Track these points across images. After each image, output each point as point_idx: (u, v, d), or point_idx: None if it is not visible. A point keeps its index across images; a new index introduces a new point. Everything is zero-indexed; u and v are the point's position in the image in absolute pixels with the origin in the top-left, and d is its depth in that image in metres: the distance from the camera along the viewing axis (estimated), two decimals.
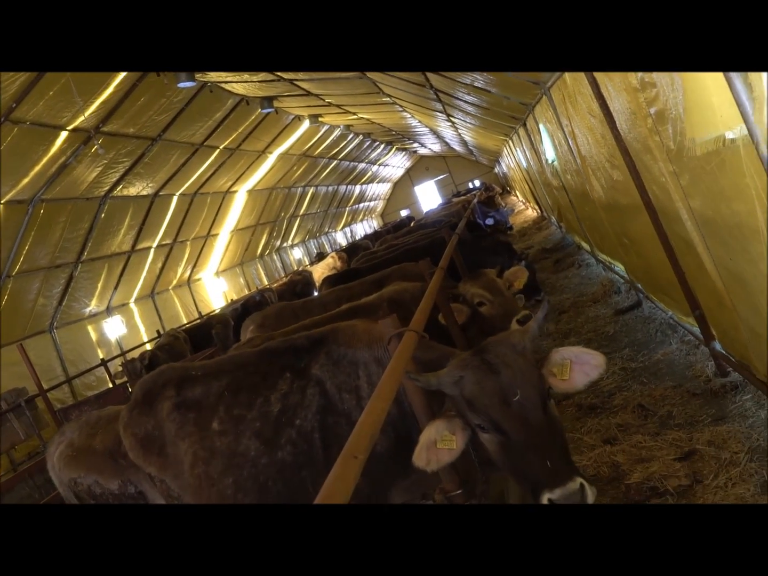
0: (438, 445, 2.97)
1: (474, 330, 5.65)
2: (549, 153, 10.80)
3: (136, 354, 15.33)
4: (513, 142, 17.77)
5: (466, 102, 13.91)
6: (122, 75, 12.43)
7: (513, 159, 21.67)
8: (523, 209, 30.65)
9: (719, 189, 3.48)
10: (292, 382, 3.93)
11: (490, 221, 17.04)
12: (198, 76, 13.85)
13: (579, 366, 3.09)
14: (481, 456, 3.24)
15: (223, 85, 16.04)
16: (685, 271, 5.41)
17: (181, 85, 13.48)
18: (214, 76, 14.92)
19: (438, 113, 19.72)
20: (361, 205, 46.32)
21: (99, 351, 17.44)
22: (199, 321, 18.76)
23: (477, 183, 43.70)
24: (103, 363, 15.23)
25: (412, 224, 22.22)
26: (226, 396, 4.00)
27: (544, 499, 2.69)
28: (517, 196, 33.94)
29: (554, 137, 9.32)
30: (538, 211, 23.27)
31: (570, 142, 8.06)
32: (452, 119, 20.33)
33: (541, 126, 10.26)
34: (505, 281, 6.18)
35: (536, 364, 3.06)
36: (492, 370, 2.97)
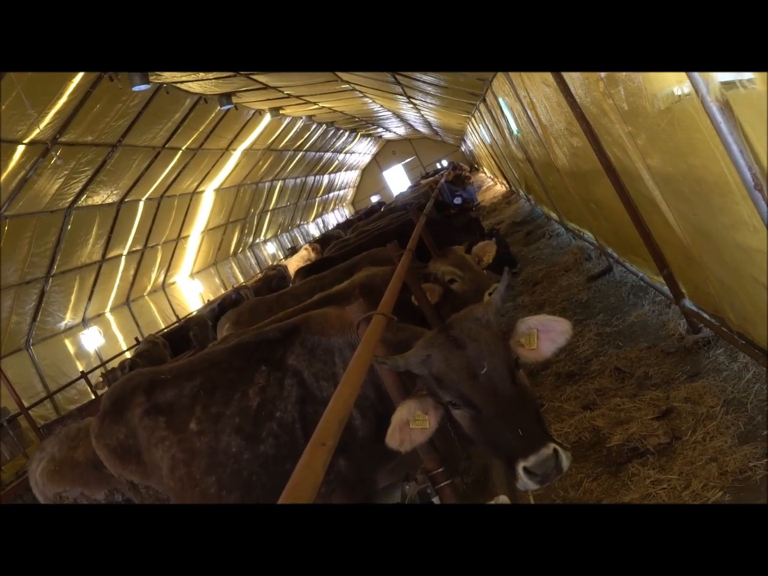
0: (411, 425, 2.97)
1: (447, 308, 5.65)
2: (512, 126, 10.81)
3: (116, 363, 15.20)
4: (475, 119, 17.76)
5: (424, 82, 13.86)
6: (74, 83, 12.26)
7: (477, 136, 21.67)
8: (492, 185, 30.71)
9: (675, 145, 3.49)
10: (269, 375, 3.91)
11: (458, 200, 17.04)
12: (152, 78, 13.66)
13: (546, 334, 3.11)
14: (460, 432, 3.24)
15: (178, 85, 15.87)
16: (651, 231, 5.44)
17: (136, 88, 13.27)
18: (168, 77, 14.75)
19: (399, 96, 19.66)
20: (331, 194, 46.20)
21: (78, 364, 17.30)
22: (177, 324, 18.64)
23: (445, 163, 43.69)
24: (84, 375, 15.11)
25: (382, 209, 22.17)
26: (201, 395, 3.96)
27: (520, 469, 2.72)
28: (485, 173, 34.00)
29: (514, 110, 9.33)
30: (507, 185, 23.32)
31: (529, 113, 8.07)
32: (413, 101, 20.28)
33: (500, 100, 10.26)
34: (474, 256, 6.20)
35: (502, 335, 3.07)
36: (458, 346, 2.98)
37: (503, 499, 3.93)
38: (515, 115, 9.50)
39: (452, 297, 5.87)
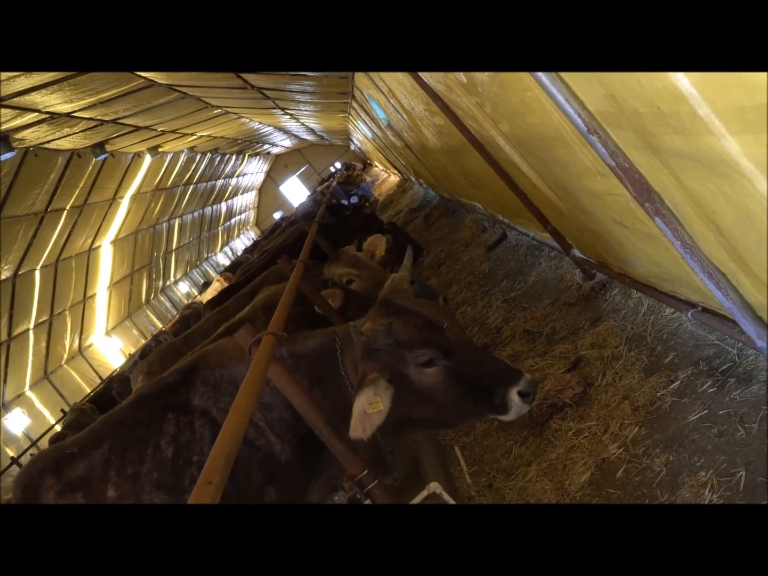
0: (368, 411, 3.03)
1: (353, 309, 5.64)
2: (381, 115, 10.88)
3: (47, 441, 14.66)
4: (353, 117, 17.84)
5: (293, 91, 13.82)
6: None
7: (360, 133, 21.76)
8: (386, 177, 30.88)
9: (512, 108, 3.55)
10: (177, 421, 3.78)
11: (354, 199, 17.05)
12: (15, 144, 13.18)
13: None
14: (383, 429, 3.24)
15: (46, 145, 15.35)
16: (526, 192, 5.54)
17: (2, 157, 12.80)
18: (33, 139, 14.25)
19: (273, 110, 19.52)
20: (233, 220, 45.62)
21: (8, 450, 16.61)
22: (101, 386, 18.11)
23: (338, 165, 43.74)
24: (15, 461, 14.52)
25: (283, 224, 22.02)
26: (113, 459, 3.81)
27: (514, 395, 2.94)
28: (378, 166, 34.18)
29: (380, 101, 9.39)
30: (399, 175, 23.48)
31: (392, 101, 8.12)
32: (288, 112, 20.19)
33: (365, 94, 10.31)
34: (366, 252, 6.21)
35: None
36: (411, 309, 3.13)
37: (435, 485, 3.95)
38: (382, 106, 9.57)
39: (354, 297, 5.85)
